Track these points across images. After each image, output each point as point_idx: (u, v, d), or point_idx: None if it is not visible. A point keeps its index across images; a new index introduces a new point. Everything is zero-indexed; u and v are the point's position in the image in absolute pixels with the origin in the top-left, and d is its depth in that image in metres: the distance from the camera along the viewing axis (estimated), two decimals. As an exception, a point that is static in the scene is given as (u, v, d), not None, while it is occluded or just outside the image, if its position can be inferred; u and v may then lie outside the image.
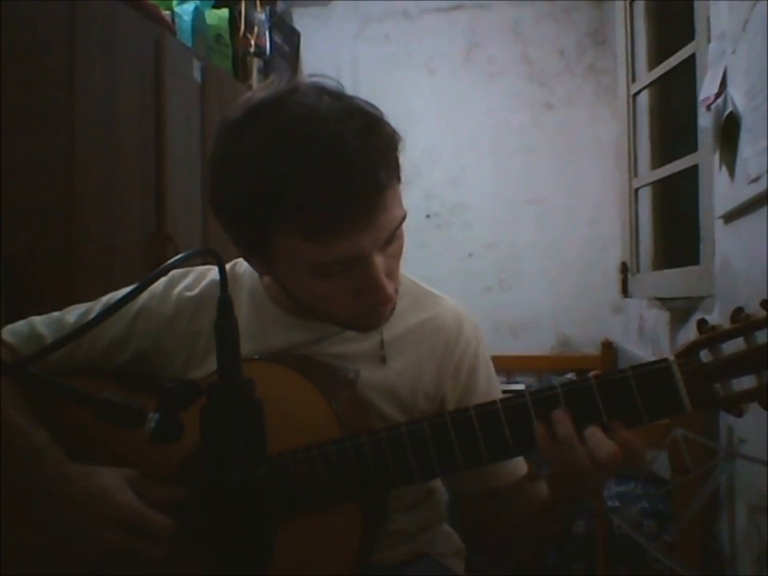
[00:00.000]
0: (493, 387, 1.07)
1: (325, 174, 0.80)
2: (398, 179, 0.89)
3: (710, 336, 0.80)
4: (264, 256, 0.90)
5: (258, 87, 0.90)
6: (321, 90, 0.86)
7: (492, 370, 1.08)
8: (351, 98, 0.87)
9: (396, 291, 0.92)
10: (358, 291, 0.88)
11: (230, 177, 0.85)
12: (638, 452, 0.80)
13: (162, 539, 0.87)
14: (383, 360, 1.00)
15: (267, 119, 0.83)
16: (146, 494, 0.89)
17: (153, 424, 0.68)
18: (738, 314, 0.79)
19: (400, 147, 0.88)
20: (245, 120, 0.85)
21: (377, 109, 0.88)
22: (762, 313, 0.78)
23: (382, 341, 1.00)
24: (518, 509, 0.99)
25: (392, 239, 0.88)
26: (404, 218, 0.89)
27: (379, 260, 0.86)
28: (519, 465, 1.04)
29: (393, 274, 0.90)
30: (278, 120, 0.83)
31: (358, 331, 0.97)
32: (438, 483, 1.13)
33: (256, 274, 1.02)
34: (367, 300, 0.89)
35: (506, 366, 3.22)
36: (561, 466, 0.82)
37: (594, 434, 0.79)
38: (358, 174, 0.81)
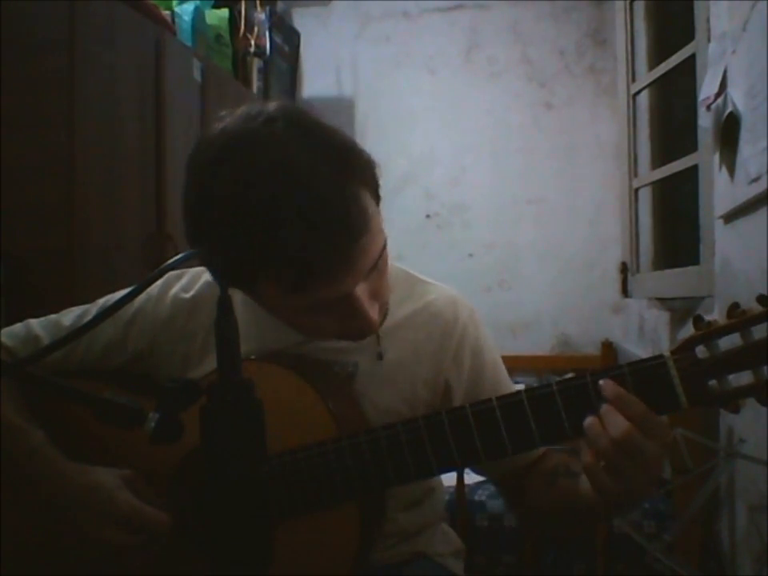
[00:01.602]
0: (500, 370, 1.07)
1: (299, 229, 0.78)
2: (377, 205, 0.87)
3: (706, 332, 0.80)
4: (246, 292, 0.90)
5: (229, 114, 0.86)
6: (289, 123, 0.82)
7: (496, 352, 1.08)
8: (321, 131, 0.84)
9: (385, 303, 0.93)
10: (342, 317, 0.88)
11: (202, 226, 0.84)
12: (659, 423, 0.78)
13: (159, 535, 0.87)
14: (380, 356, 1.01)
15: (235, 164, 0.81)
16: (143, 492, 0.89)
17: (153, 424, 0.68)
18: (733, 309, 0.79)
19: (377, 173, 0.87)
20: (213, 162, 0.82)
21: (348, 138, 0.86)
22: (758, 308, 0.77)
23: (378, 335, 1.00)
24: (564, 495, 0.96)
25: (374, 268, 0.87)
26: (384, 245, 0.87)
27: (361, 288, 0.86)
28: None
29: (378, 292, 0.90)
30: (247, 167, 0.80)
31: (352, 341, 0.97)
32: (437, 483, 1.13)
33: None
34: (354, 330, 0.90)
35: (506, 366, 3.20)
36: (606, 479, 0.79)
37: (608, 412, 0.78)
38: (333, 225, 0.79)
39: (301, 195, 0.78)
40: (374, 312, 0.88)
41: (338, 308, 0.86)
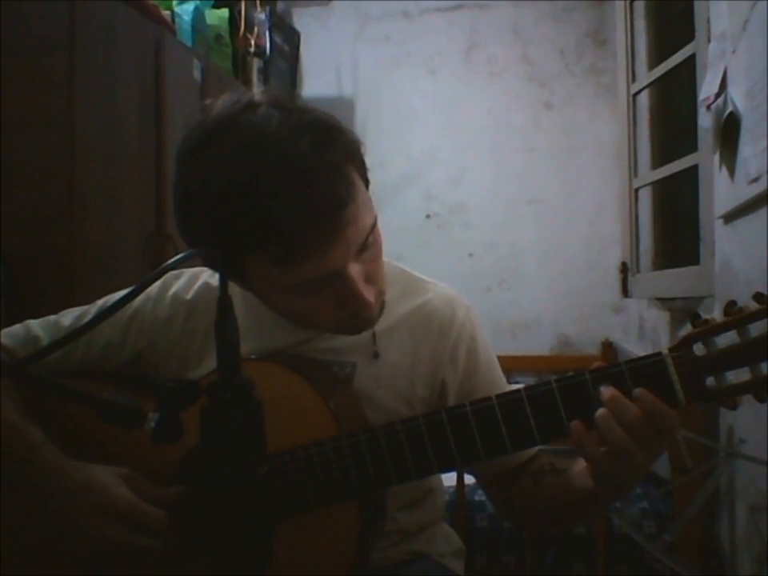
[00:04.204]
0: (494, 370, 1.07)
1: (281, 200, 0.79)
2: (365, 184, 0.88)
3: (704, 329, 0.80)
4: (239, 279, 0.90)
5: (213, 103, 0.89)
6: (272, 106, 0.85)
7: (491, 351, 1.08)
8: (303, 112, 0.85)
9: (381, 292, 0.92)
10: (338, 302, 0.88)
11: (190, 211, 0.86)
12: (667, 414, 0.79)
13: (157, 532, 0.87)
14: (375, 355, 1.00)
15: (219, 147, 0.83)
16: (141, 490, 0.90)
17: (153, 424, 0.68)
18: (730, 307, 0.79)
19: (362, 152, 0.88)
20: (197, 149, 0.85)
21: (331, 117, 0.87)
22: (754, 306, 0.78)
23: (374, 334, 1.00)
24: (554, 492, 0.96)
25: (365, 247, 0.87)
26: (374, 223, 0.88)
27: (354, 269, 0.86)
28: None
29: (373, 277, 0.90)
30: (230, 148, 0.82)
31: (348, 334, 0.97)
32: (437, 482, 1.13)
33: None
34: (350, 308, 0.89)
35: (506, 366, 3.17)
36: (601, 456, 0.80)
37: (616, 398, 0.79)
38: (316, 195, 0.80)
39: (282, 167, 0.79)
40: (369, 294, 0.87)
41: (332, 289, 0.86)
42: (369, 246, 0.87)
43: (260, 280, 0.88)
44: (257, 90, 0.91)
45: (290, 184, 0.79)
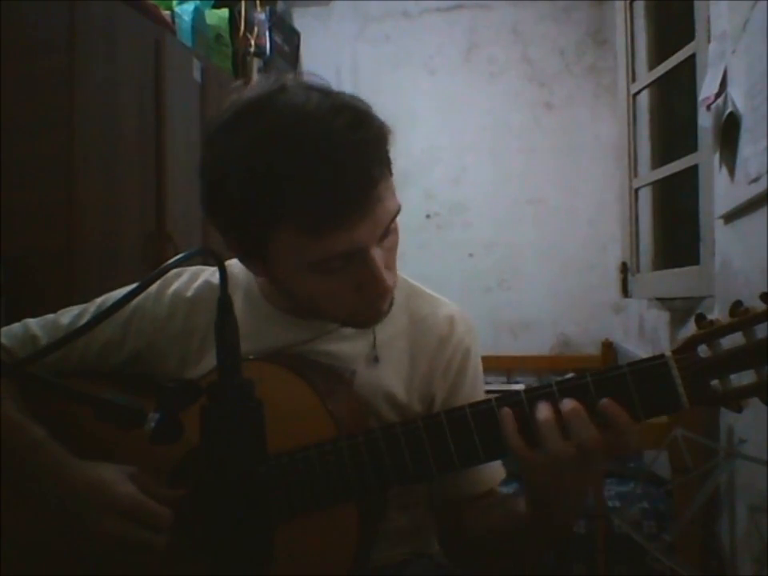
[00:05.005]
0: (477, 391, 1.06)
1: (318, 171, 0.80)
2: (390, 172, 0.89)
3: (709, 331, 0.78)
4: (261, 258, 0.90)
5: (247, 88, 0.90)
6: (308, 88, 0.87)
7: (480, 374, 1.07)
8: (338, 94, 0.87)
9: (394, 284, 0.92)
10: (358, 286, 0.88)
11: (224, 180, 0.86)
12: (628, 430, 0.77)
13: (161, 529, 0.87)
14: (376, 359, 1.00)
15: (257, 120, 0.84)
16: (146, 488, 0.90)
17: (153, 424, 0.68)
18: (736, 308, 0.77)
19: (390, 140, 0.89)
20: (234, 122, 0.86)
21: (364, 103, 0.89)
22: (761, 306, 0.76)
23: (374, 340, 1.00)
24: (498, 521, 0.97)
25: (388, 232, 0.89)
26: (398, 210, 0.90)
27: (377, 253, 0.87)
28: (495, 472, 1.03)
29: (390, 266, 0.91)
30: (268, 120, 0.84)
31: (356, 327, 0.97)
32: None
33: (251, 274, 1.03)
34: (368, 293, 0.89)
35: (506, 366, 3.23)
36: (539, 467, 0.79)
37: (576, 411, 0.78)
38: (350, 169, 0.82)
39: (319, 140, 0.81)
40: (389, 279, 0.89)
41: (353, 270, 0.87)
42: (390, 232, 0.89)
43: (283, 257, 0.88)
44: (290, 76, 0.92)
45: (327, 156, 0.81)
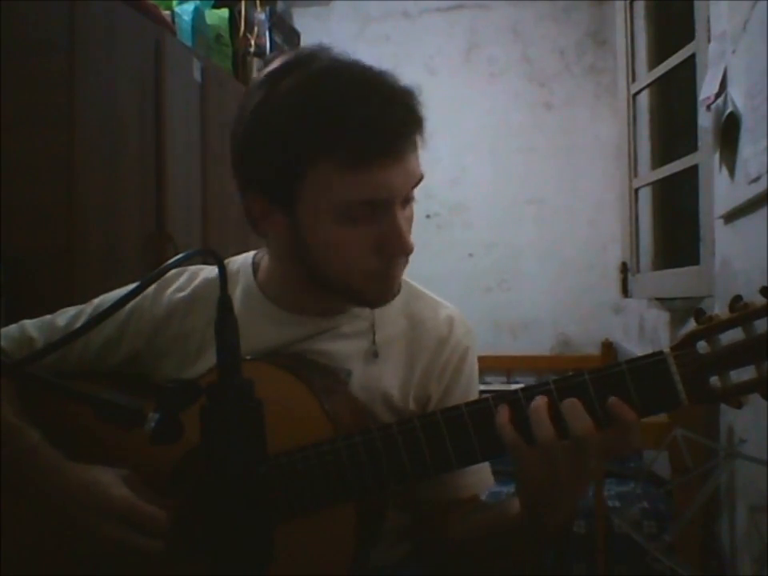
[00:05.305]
0: (472, 392, 1.05)
1: (364, 106, 0.85)
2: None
3: (708, 327, 0.77)
4: (289, 205, 0.90)
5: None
6: (341, 56, 0.92)
7: (476, 376, 1.07)
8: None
9: (411, 251, 0.93)
10: (379, 241, 0.89)
11: (269, 117, 0.88)
12: (633, 428, 0.77)
13: (157, 533, 0.87)
14: (375, 354, 1.00)
15: (305, 67, 0.88)
16: (141, 492, 0.89)
17: (153, 424, 0.68)
18: (735, 303, 0.76)
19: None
20: (282, 70, 0.90)
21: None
22: (761, 301, 0.75)
23: (374, 337, 1.00)
24: (487, 524, 0.97)
25: (409, 198, 0.93)
26: (422, 177, 0.94)
27: (400, 212, 0.90)
28: (481, 480, 1.02)
29: (408, 234, 0.93)
30: (316, 66, 0.88)
31: (362, 304, 0.97)
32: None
33: (250, 271, 1.03)
34: (387, 254, 0.90)
35: (506, 366, 3.23)
36: (533, 461, 0.79)
37: (571, 402, 0.77)
38: (399, 105, 0.88)
39: (367, 80, 0.88)
40: (408, 237, 0.91)
41: (376, 223, 0.89)
42: (411, 199, 0.93)
43: (312, 199, 0.88)
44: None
45: (379, 91, 0.87)
